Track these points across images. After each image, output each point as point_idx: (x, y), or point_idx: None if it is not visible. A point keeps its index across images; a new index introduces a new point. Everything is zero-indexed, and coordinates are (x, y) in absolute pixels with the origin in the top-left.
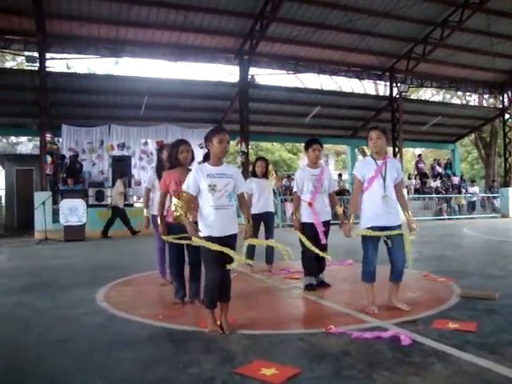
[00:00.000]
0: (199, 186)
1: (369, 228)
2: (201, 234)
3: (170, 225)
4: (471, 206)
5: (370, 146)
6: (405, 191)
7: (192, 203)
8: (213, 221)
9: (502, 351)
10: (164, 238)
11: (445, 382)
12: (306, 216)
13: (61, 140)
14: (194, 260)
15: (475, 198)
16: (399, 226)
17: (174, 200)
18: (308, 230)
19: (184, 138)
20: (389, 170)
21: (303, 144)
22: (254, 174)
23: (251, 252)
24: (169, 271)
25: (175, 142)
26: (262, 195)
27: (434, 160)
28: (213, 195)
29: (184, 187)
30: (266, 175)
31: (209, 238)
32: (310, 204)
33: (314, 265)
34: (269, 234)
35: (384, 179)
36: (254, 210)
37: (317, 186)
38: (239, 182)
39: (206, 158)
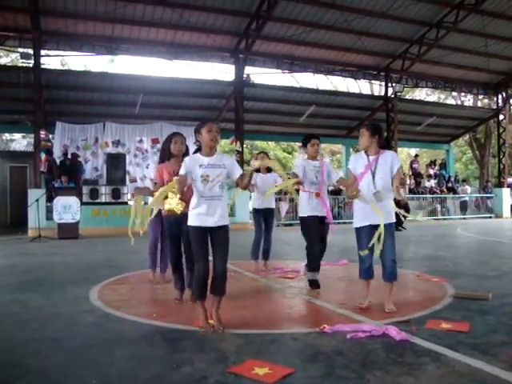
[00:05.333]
0: (192, 175)
1: (360, 227)
2: (191, 224)
3: (164, 218)
4: (463, 206)
5: (359, 143)
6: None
7: (184, 184)
8: (205, 211)
9: (494, 351)
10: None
11: (437, 382)
12: (306, 210)
13: (55, 137)
14: (188, 251)
15: (467, 198)
16: (391, 225)
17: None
18: (309, 224)
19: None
20: (380, 165)
21: (298, 143)
22: (258, 170)
23: (256, 250)
24: (160, 267)
25: (169, 135)
26: (266, 190)
27: (431, 162)
28: (205, 186)
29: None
30: (268, 170)
31: (199, 229)
32: (317, 194)
33: (318, 260)
34: (268, 230)
35: (374, 175)
36: (256, 205)
37: (320, 178)
38: (233, 169)
39: (198, 151)
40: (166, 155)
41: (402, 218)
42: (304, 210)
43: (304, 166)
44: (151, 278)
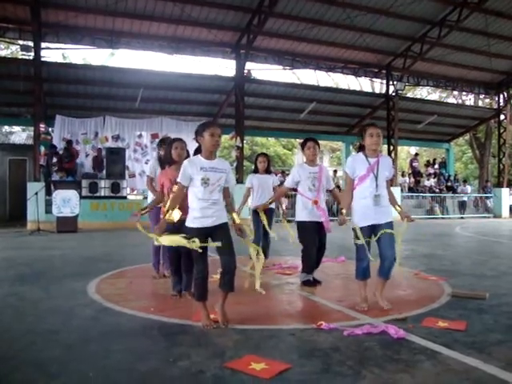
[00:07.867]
0: (191, 177)
1: (359, 228)
2: (190, 225)
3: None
4: (462, 206)
5: (367, 143)
6: (398, 189)
7: (181, 194)
8: (204, 213)
9: (490, 350)
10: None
11: (433, 380)
12: (304, 215)
13: (54, 130)
14: (186, 252)
15: (465, 198)
16: (390, 223)
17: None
18: (306, 229)
19: (179, 132)
20: (381, 168)
21: (298, 140)
22: (256, 170)
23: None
24: (162, 263)
25: (170, 140)
26: (264, 191)
27: (428, 161)
28: (205, 188)
29: (178, 179)
30: (267, 171)
31: (197, 230)
32: (315, 202)
33: (313, 262)
34: (267, 230)
35: (376, 178)
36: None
37: (318, 185)
38: (229, 178)
39: (197, 153)
40: (166, 161)
41: None
42: (301, 215)
43: (300, 175)
44: (153, 274)
